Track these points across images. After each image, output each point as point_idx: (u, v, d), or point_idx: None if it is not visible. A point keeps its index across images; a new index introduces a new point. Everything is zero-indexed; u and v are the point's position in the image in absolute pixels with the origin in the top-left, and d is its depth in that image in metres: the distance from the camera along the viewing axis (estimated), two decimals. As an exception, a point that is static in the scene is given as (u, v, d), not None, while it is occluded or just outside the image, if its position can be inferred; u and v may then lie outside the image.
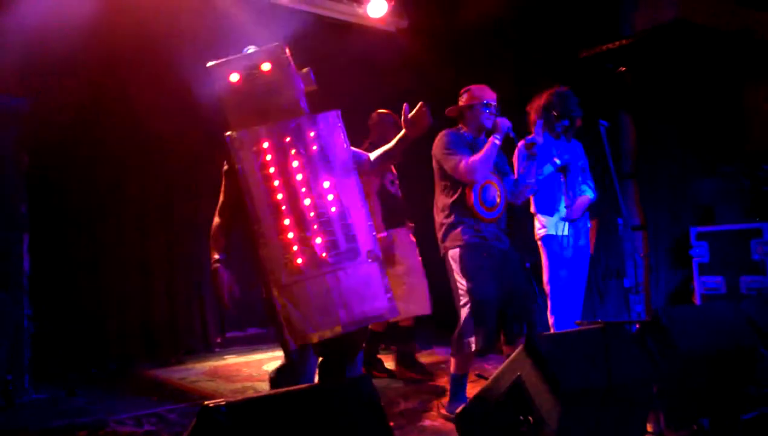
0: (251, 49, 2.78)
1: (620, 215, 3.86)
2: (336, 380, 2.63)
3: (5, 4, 4.18)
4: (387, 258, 4.54)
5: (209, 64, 2.69)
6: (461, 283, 3.47)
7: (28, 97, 4.37)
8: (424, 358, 5.02)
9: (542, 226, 3.97)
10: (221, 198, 2.77)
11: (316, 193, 2.60)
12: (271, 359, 5.20)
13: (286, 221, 2.54)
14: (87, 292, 5.16)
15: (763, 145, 5.53)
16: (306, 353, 2.61)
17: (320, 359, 2.77)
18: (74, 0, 4.36)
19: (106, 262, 5.27)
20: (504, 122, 3.55)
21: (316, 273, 2.54)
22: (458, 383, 3.51)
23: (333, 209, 2.61)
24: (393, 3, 5.92)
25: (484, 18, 6.19)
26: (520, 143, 3.88)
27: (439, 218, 3.62)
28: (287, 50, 2.72)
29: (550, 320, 3.86)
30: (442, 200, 3.61)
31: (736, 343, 3.05)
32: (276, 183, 2.56)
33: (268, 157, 2.58)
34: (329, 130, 2.70)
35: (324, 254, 2.56)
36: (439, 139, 3.60)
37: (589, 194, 4.01)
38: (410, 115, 2.81)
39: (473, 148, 3.56)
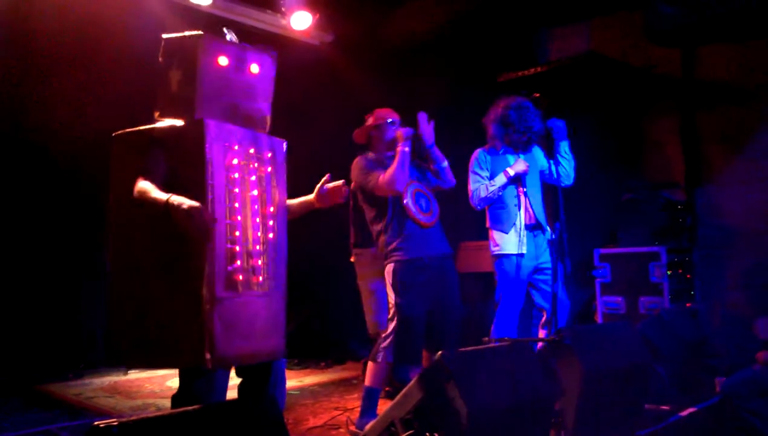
0: (231, 35, 2.64)
1: (558, 220, 3.74)
2: (238, 398, 2.54)
3: None
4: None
5: (200, 32, 2.49)
6: (391, 297, 3.54)
7: None
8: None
9: (496, 244, 3.82)
10: (142, 164, 2.39)
11: (262, 214, 2.52)
12: (176, 375, 5.01)
13: (237, 233, 2.41)
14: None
15: (663, 174, 5.86)
16: (213, 375, 2.50)
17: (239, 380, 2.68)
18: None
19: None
20: (406, 130, 3.59)
21: (249, 294, 2.43)
22: (370, 396, 3.51)
23: (271, 236, 2.55)
24: (318, 16, 5.90)
25: (408, 37, 6.29)
26: (475, 152, 3.89)
27: (379, 241, 3.65)
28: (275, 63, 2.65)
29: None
30: (375, 227, 3.66)
31: (632, 361, 3.18)
32: (237, 190, 2.44)
33: (235, 160, 2.45)
34: (280, 157, 2.66)
35: (261, 278, 2.48)
36: (355, 165, 3.65)
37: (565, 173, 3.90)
38: (327, 187, 2.85)
39: (387, 166, 3.60)
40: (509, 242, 3.77)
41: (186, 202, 2.24)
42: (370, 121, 3.76)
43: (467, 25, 6.34)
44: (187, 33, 2.52)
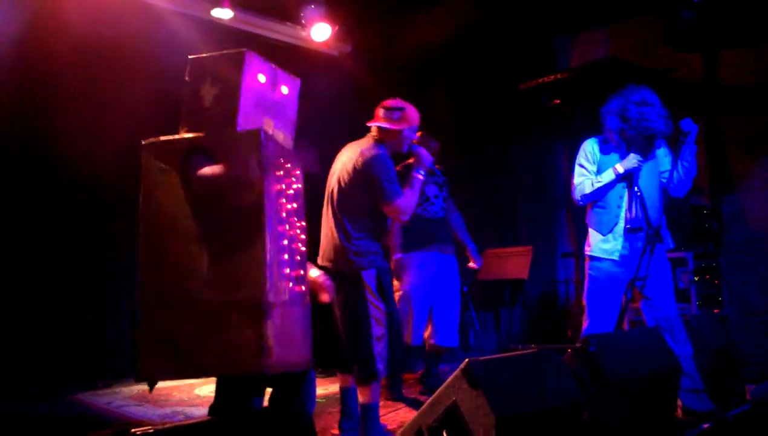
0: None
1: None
2: (270, 406, 2.57)
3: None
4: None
5: (242, 50, 2.52)
6: (379, 307, 3.27)
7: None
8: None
9: (588, 244, 3.56)
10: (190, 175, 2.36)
11: (297, 227, 2.58)
12: (204, 384, 5.06)
13: (285, 242, 2.45)
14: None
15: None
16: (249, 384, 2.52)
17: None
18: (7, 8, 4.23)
19: (25, 273, 4.96)
20: (427, 157, 3.39)
21: (291, 303, 2.45)
22: (372, 414, 3.30)
23: (303, 248, 2.61)
24: (336, 28, 5.97)
25: (426, 46, 6.33)
26: (585, 142, 3.58)
27: (355, 235, 3.31)
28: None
29: None
30: (363, 222, 3.33)
31: (660, 368, 3.16)
32: (283, 200, 2.51)
33: (281, 172, 2.51)
34: (302, 176, 2.72)
35: (303, 287, 2.53)
36: (380, 163, 3.26)
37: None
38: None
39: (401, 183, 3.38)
40: (603, 245, 3.49)
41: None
42: (399, 115, 3.41)
43: (486, 34, 6.36)
44: (224, 51, 2.59)
